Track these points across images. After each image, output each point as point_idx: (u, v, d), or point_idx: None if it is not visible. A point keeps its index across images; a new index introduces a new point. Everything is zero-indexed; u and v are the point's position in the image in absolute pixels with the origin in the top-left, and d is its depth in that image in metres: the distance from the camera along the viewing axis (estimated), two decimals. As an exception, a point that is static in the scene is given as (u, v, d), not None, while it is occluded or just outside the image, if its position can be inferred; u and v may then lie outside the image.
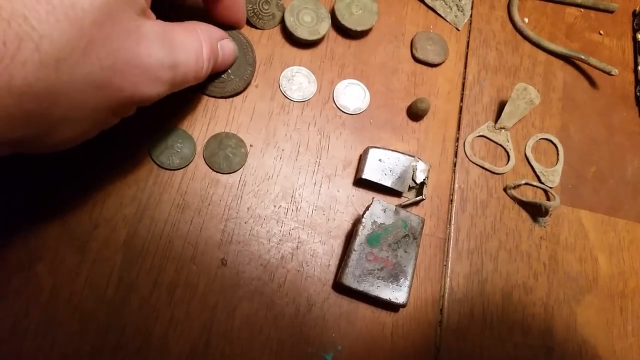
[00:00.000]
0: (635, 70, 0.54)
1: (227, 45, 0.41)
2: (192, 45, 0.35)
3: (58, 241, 0.38)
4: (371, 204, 0.41)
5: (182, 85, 0.35)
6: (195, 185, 0.42)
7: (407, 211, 0.42)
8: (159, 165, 0.41)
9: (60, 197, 0.39)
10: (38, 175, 0.39)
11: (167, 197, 0.41)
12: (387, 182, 0.43)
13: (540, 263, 0.46)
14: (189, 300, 0.39)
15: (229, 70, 0.43)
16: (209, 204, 0.41)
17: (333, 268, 0.42)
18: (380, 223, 0.41)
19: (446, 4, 0.51)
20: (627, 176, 0.51)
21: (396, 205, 0.42)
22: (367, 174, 0.43)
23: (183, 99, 0.43)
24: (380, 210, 0.41)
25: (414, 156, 0.44)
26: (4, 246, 0.38)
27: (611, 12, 0.56)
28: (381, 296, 0.40)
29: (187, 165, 0.42)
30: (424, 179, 0.44)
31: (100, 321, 0.37)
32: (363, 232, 0.41)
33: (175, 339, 0.38)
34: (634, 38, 0.56)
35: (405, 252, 0.41)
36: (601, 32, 0.55)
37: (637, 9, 0.56)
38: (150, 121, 0.42)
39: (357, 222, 0.42)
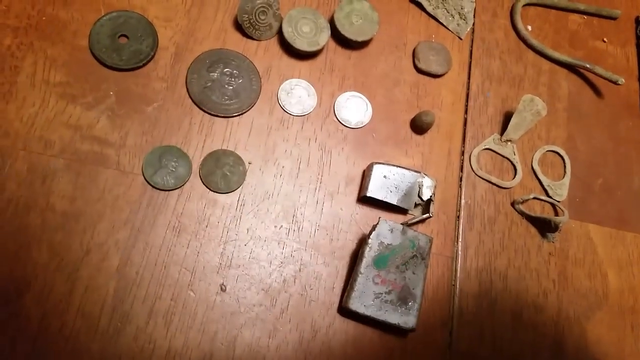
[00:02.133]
0: (640, 78, 0.53)
1: None
2: None
3: (46, 269, 0.36)
4: (377, 223, 0.40)
5: None
6: (192, 207, 0.39)
7: (414, 230, 0.40)
8: (152, 186, 0.39)
9: (48, 222, 0.37)
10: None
11: (162, 219, 0.39)
12: (393, 200, 0.41)
13: (549, 280, 0.44)
14: (186, 329, 0.37)
15: (233, 93, 0.42)
16: (207, 226, 0.39)
17: (338, 291, 0.40)
18: (388, 244, 0.39)
19: (448, 12, 0.49)
20: (634, 187, 0.49)
21: (403, 224, 0.40)
22: (372, 192, 0.41)
23: (177, 114, 0.41)
24: (387, 230, 0.39)
25: (419, 172, 0.42)
26: (-12, 276, 0.35)
27: (614, 18, 0.54)
28: (389, 321, 0.38)
29: (182, 185, 0.40)
30: (431, 196, 0.42)
31: (93, 354, 0.35)
32: (370, 254, 0.39)
33: (173, 372, 0.36)
34: (638, 45, 0.54)
35: (414, 273, 0.39)
36: (605, 39, 0.54)
37: (640, 15, 0.55)
38: (143, 139, 0.40)
39: (362, 242, 0.40)
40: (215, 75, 0.43)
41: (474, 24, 0.50)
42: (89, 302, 0.36)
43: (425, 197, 0.42)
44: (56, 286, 0.36)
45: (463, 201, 0.45)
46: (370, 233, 0.39)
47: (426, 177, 0.42)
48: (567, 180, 0.47)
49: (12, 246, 0.36)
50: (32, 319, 0.35)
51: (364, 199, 0.42)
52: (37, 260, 0.36)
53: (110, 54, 0.41)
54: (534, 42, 0.51)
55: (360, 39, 0.45)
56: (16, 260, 0.36)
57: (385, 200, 0.41)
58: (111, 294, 0.36)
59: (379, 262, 0.39)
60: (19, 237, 0.36)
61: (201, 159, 0.40)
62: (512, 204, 0.46)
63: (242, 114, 0.42)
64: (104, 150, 0.39)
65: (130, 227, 0.38)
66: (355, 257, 0.40)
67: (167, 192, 0.39)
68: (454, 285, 0.42)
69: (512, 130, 0.46)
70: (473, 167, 0.46)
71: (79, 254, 0.37)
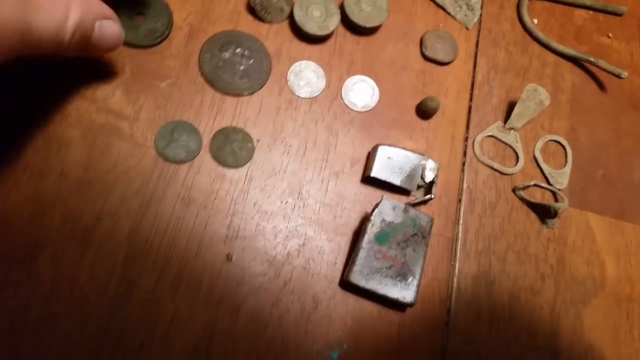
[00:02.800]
0: (644, 74, 0.54)
1: (109, 27, 0.36)
2: (56, 12, 0.31)
3: (60, 234, 0.37)
4: (380, 201, 0.41)
5: (35, 50, 0.31)
6: (201, 180, 0.41)
7: (416, 210, 0.41)
8: (164, 159, 0.40)
9: (62, 189, 0.38)
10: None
11: (172, 191, 0.40)
12: (396, 181, 0.43)
13: (547, 265, 0.45)
14: (192, 296, 0.38)
15: (243, 73, 0.44)
16: (215, 199, 0.41)
17: (340, 266, 0.41)
18: (389, 221, 0.40)
19: (456, 3, 0.50)
20: (635, 180, 0.50)
21: (405, 204, 0.41)
22: (376, 172, 0.42)
23: (189, 91, 0.43)
24: (390, 208, 0.41)
25: (423, 154, 0.44)
26: (4, 238, 0.37)
27: (620, 15, 0.55)
28: (389, 295, 0.39)
29: (192, 159, 0.41)
30: (433, 178, 0.43)
31: (101, 317, 0.36)
32: (372, 230, 0.40)
33: (178, 336, 0.37)
34: (643, 42, 0.55)
35: (414, 251, 0.40)
36: (610, 35, 0.55)
37: (646, 12, 0.56)
38: (156, 114, 0.41)
39: (365, 219, 0.41)
40: (227, 55, 0.44)
41: (481, 15, 0.52)
42: (99, 267, 0.37)
43: (427, 179, 0.43)
44: (68, 250, 0.37)
45: (465, 185, 0.46)
46: (373, 210, 0.40)
47: (429, 160, 0.44)
48: (568, 169, 0.48)
49: (27, 211, 0.37)
50: (45, 280, 0.36)
51: (368, 179, 0.43)
52: (51, 225, 0.37)
53: (126, 31, 0.43)
54: (540, 34, 0.52)
55: (369, 25, 0.47)
56: (31, 224, 0.37)
57: (388, 180, 0.42)
58: (121, 260, 0.38)
59: (381, 238, 0.40)
60: (33, 202, 0.38)
61: (211, 135, 0.42)
62: (513, 190, 0.47)
63: (252, 93, 0.44)
64: (118, 123, 0.41)
65: (141, 197, 0.39)
66: (358, 234, 0.41)
67: (177, 165, 0.41)
68: (453, 265, 0.43)
69: (515, 119, 0.47)
70: (476, 153, 0.47)
71: (91, 220, 0.38)
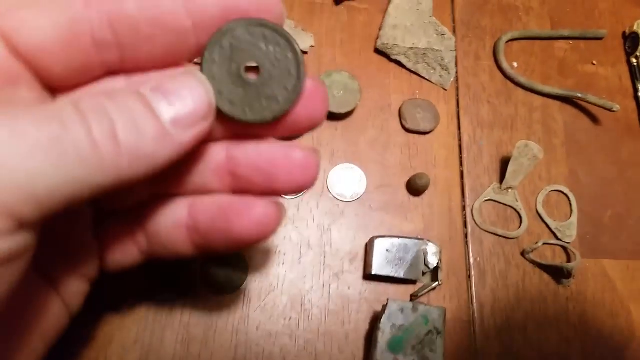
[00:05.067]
0: (636, 97, 0.52)
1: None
2: None
3: (62, 404, 0.36)
4: (386, 304, 0.39)
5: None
6: (198, 314, 0.39)
7: (425, 305, 0.39)
8: (156, 301, 0.39)
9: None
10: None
11: (170, 333, 0.38)
12: (400, 274, 0.41)
13: (570, 326, 0.43)
14: None
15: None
16: (215, 332, 0.39)
17: (356, 377, 0.39)
18: (400, 325, 0.38)
19: (429, 66, 0.48)
20: (645, 213, 0.48)
21: (413, 302, 0.39)
22: (377, 269, 0.41)
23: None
24: (397, 310, 0.39)
25: (422, 239, 0.42)
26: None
27: (601, 38, 0.53)
28: (412, 405, 0.37)
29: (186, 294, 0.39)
30: (438, 263, 0.41)
31: None
32: (383, 339, 0.38)
33: None
34: (629, 62, 0.53)
35: (431, 350, 0.38)
36: (594, 62, 0.53)
37: (627, 30, 0.54)
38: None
39: (374, 324, 0.39)
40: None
41: (457, 72, 0.49)
42: None
43: (431, 265, 0.41)
44: None
45: (472, 259, 0.44)
46: (381, 317, 0.39)
47: (430, 244, 0.42)
48: (574, 218, 0.46)
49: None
50: None
51: (371, 276, 0.41)
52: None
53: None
54: (522, 79, 0.50)
55: (344, 110, 0.45)
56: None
57: (391, 275, 0.41)
58: (130, 417, 0.36)
59: (394, 346, 0.38)
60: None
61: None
62: (522, 254, 0.45)
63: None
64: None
65: (140, 346, 0.38)
66: (370, 339, 0.39)
67: (171, 303, 0.39)
68: (475, 349, 0.41)
69: (510, 178, 0.45)
70: (477, 221, 0.45)
71: (92, 381, 0.37)
